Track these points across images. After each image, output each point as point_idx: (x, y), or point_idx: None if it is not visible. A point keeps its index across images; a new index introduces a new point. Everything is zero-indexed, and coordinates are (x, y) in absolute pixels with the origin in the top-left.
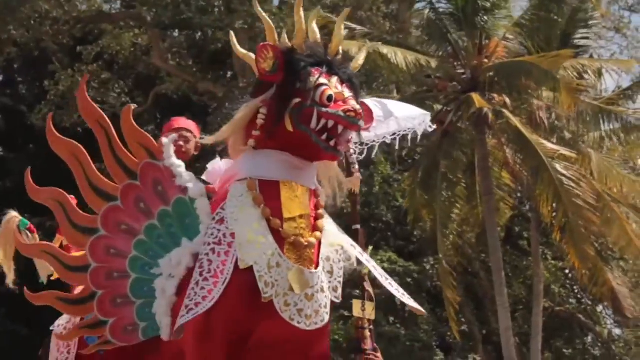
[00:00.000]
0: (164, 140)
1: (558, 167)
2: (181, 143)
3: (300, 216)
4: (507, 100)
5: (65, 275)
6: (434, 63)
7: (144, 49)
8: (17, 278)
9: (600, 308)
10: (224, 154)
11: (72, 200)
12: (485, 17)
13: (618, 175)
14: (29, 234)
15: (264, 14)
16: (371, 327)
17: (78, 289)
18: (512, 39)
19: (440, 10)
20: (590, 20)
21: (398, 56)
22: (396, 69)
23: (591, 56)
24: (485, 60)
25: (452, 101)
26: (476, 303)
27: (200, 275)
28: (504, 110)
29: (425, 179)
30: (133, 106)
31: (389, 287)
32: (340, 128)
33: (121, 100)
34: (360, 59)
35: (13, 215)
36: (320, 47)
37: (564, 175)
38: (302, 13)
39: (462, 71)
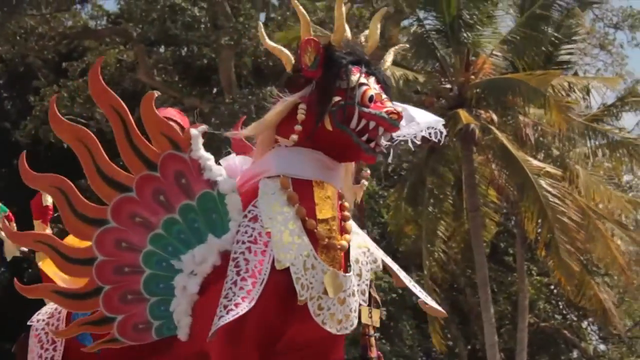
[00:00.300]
0: (193, 131)
1: (543, 183)
2: None
3: (332, 218)
4: (494, 116)
5: (65, 268)
6: (421, 79)
7: (130, 65)
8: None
9: (585, 324)
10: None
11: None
12: (472, 34)
13: (605, 191)
14: (7, 223)
15: (300, 7)
16: (375, 334)
17: (61, 282)
18: (499, 56)
19: (428, 26)
20: (575, 37)
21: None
22: None
23: (575, 73)
24: (472, 77)
25: (439, 117)
26: (461, 319)
27: (237, 274)
28: (491, 127)
29: (411, 194)
30: (156, 93)
31: (413, 289)
32: (380, 129)
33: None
34: (389, 61)
35: None
36: (359, 45)
37: (549, 192)
38: (343, 9)
39: (449, 87)
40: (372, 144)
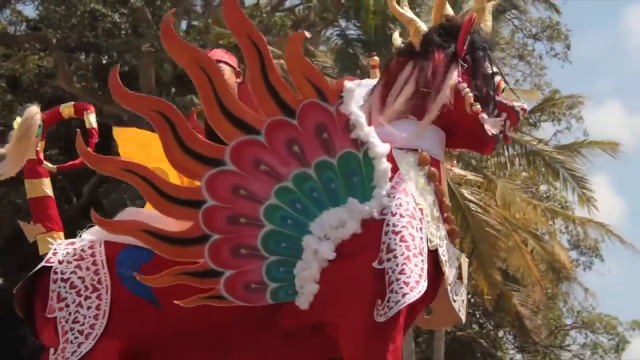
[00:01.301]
0: (348, 83)
1: (465, 192)
2: None
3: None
4: None
5: (162, 207)
6: None
7: (50, 72)
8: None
9: (501, 333)
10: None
11: None
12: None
13: (521, 203)
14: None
15: None
16: None
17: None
18: None
19: (350, 36)
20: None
21: None
22: None
23: None
24: None
25: None
26: None
27: (408, 249)
28: None
29: None
30: (307, 34)
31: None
32: (508, 122)
33: None
34: None
35: (36, 111)
36: (487, 33)
37: (471, 201)
38: None
39: None
40: (502, 136)
